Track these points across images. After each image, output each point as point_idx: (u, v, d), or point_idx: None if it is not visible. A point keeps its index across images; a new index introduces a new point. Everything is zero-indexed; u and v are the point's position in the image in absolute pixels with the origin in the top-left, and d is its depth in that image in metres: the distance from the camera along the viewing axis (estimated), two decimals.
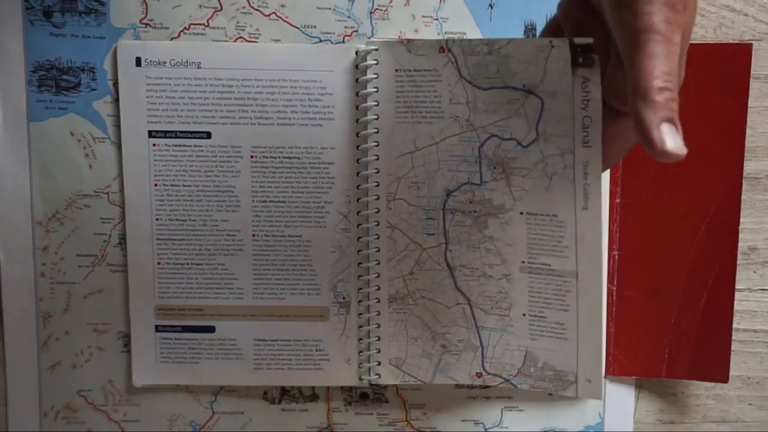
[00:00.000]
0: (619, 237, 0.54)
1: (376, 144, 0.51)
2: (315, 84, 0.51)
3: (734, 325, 0.55)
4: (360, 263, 0.53)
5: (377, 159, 0.51)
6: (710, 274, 0.53)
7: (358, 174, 0.52)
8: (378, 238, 0.52)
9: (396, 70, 0.50)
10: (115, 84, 0.51)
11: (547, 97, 0.47)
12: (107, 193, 0.52)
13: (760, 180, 0.55)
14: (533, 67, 0.46)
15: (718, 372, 0.54)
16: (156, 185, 0.52)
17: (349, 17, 0.52)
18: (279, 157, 0.52)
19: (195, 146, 0.51)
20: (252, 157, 0.51)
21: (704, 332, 0.53)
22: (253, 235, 0.52)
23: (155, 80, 0.50)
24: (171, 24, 0.51)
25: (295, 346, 0.54)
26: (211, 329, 0.53)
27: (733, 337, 0.55)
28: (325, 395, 0.56)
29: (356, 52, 0.51)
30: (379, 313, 0.53)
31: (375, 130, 0.51)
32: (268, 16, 0.51)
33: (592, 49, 0.44)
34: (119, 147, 0.51)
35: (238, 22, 0.51)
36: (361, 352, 0.53)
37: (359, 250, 0.52)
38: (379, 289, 0.53)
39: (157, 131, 0.51)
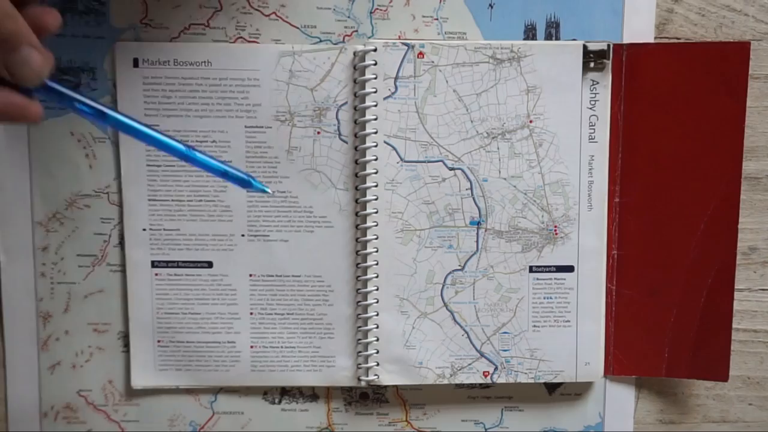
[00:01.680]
0: (618, 237, 0.54)
1: (374, 158, 0.51)
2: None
3: (734, 325, 0.55)
4: (359, 263, 0.53)
5: (376, 159, 0.52)
6: (709, 273, 0.53)
7: (357, 175, 0.52)
8: (377, 238, 0.52)
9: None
10: (115, 84, 0.51)
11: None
12: (107, 193, 0.52)
13: (760, 180, 0.55)
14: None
15: (718, 371, 0.54)
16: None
17: (349, 17, 0.52)
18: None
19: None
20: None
21: (704, 331, 0.53)
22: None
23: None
24: (171, 24, 0.51)
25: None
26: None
27: (733, 337, 0.55)
28: (325, 395, 0.56)
29: (354, 53, 0.51)
30: (378, 314, 0.53)
31: (374, 144, 0.51)
32: (268, 16, 0.51)
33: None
34: (119, 147, 0.51)
35: (238, 22, 0.51)
36: (360, 352, 0.53)
37: (358, 251, 0.52)
38: (378, 289, 0.53)
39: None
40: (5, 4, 0.33)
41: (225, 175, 0.41)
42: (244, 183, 0.41)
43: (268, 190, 0.42)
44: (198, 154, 0.40)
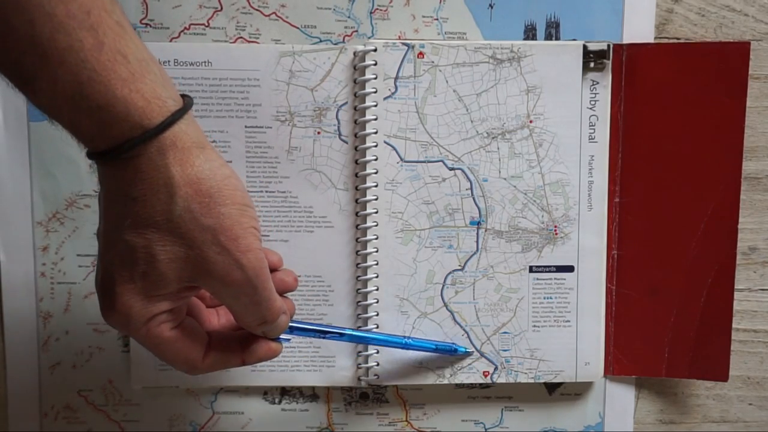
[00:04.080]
0: (618, 237, 0.54)
1: (374, 158, 0.51)
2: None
3: (734, 325, 0.55)
4: (359, 263, 0.53)
5: (376, 159, 0.52)
6: (709, 273, 0.53)
7: (357, 175, 0.52)
8: (377, 238, 0.52)
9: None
10: None
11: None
12: None
13: (760, 180, 0.55)
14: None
15: (718, 370, 0.54)
16: None
17: (349, 17, 0.52)
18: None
19: None
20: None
21: (704, 331, 0.53)
22: None
23: None
24: (171, 24, 0.51)
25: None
26: None
27: (733, 337, 0.55)
28: (325, 395, 0.56)
29: (354, 53, 0.51)
30: (378, 314, 0.53)
31: (374, 144, 0.51)
32: (268, 16, 0.52)
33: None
34: None
35: (238, 22, 0.51)
36: (360, 352, 0.53)
37: (358, 251, 0.52)
38: (378, 289, 0.53)
39: None
40: (278, 301, 0.41)
41: (436, 350, 0.52)
42: (451, 351, 0.52)
43: (472, 352, 0.53)
44: (413, 341, 0.51)
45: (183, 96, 0.36)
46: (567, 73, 0.51)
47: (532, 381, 0.54)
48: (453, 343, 0.52)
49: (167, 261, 0.36)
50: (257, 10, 0.51)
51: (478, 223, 0.53)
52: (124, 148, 0.34)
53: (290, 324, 0.44)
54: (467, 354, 0.53)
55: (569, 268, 0.53)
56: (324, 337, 0.47)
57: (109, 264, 0.37)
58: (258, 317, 0.40)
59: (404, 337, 0.51)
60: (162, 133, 0.34)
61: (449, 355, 0.53)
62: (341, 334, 0.48)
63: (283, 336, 0.44)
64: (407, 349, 0.51)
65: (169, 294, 0.37)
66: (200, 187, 0.35)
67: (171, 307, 0.38)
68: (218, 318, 0.45)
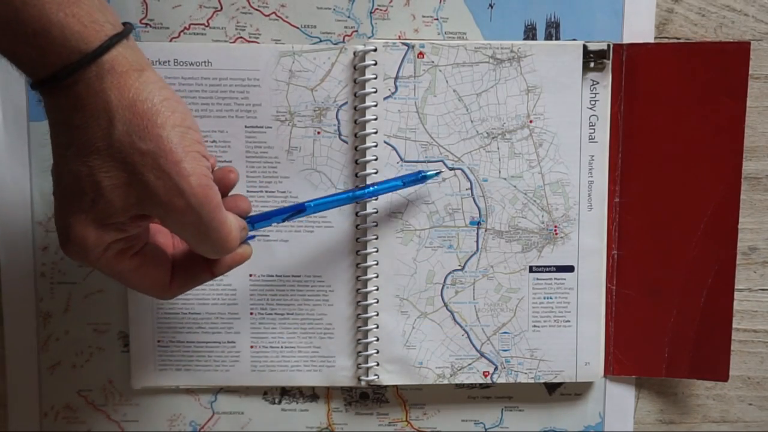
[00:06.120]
0: (618, 237, 0.54)
1: (374, 158, 0.51)
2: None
3: (734, 325, 0.55)
4: (359, 263, 0.53)
5: (376, 159, 0.52)
6: (709, 273, 0.53)
7: (357, 175, 0.52)
8: (377, 238, 0.52)
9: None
10: None
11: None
12: None
13: (760, 180, 0.55)
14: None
15: (718, 370, 0.54)
16: None
17: (349, 17, 0.52)
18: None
19: None
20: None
21: (704, 331, 0.53)
22: None
23: None
24: (171, 24, 0.51)
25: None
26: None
27: (733, 337, 0.55)
28: (325, 395, 0.56)
29: (354, 53, 0.51)
30: (378, 314, 0.53)
31: (374, 144, 0.51)
32: (268, 16, 0.52)
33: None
34: None
35: (238, 22, 0.51)
36: (360, 352, 0.53)
37: (358, 251, 0.52)
38: (378, 289, 0.53)
39: None
40: (233, 230, 0.39)
41: (404, 185, 0.49)
42: (420, 179, 0.49)
43: (441, 171, 0.51)
44: (377, 186, 0.49)
45: (124, 24, 0.36)
46: (567, 73, 0.51)
47: (532, 381, 0.54)
48: (419, 171, 0.50)
49: (111, 187, 0.35)
50: (257, 10, 0.51)
51: (478, 223, 0.53)
52: (63, 75, 0.34)
53: (248, 218, 0.43)
54: (438, 174, 0.51)
55: (569, 268, 0.53)
56: (288, 219, 0.45)
57: (61, 197, 0.36)
58: (209, 248, 0.39)
59: (367, 186, 0.49)
60: (100, 57, 0.34)
61: (421, 183, 0.50)
62: (303, 210, 0.45)
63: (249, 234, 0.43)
64: (372, 196, 0.49)
65: (120, 222, 0.36)
66: (136, 110, 0.35)
67: (125, 235, 0.37)
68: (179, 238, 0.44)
